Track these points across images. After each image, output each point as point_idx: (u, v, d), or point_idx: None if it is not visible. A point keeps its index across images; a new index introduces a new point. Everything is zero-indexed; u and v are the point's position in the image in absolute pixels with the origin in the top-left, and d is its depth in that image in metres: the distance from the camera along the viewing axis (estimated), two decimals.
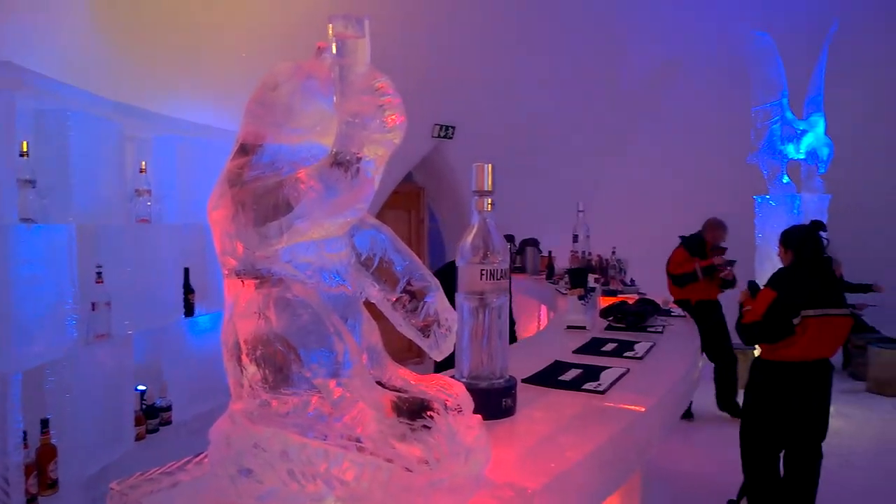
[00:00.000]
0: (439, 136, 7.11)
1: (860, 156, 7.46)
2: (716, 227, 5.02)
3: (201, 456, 0.89)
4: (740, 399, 4.34)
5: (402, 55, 6.37)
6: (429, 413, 0.74)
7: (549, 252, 5.59)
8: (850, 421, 4.91)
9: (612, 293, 3.43)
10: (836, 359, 6.57)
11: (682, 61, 8.66)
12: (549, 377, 1.44)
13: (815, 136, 5.58)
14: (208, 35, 4.22)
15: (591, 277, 2.78)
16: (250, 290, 0.77)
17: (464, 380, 1.10)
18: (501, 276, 1.08)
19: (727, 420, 4.92)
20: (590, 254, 4.16)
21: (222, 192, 0.76)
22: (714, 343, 5.08)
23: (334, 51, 0.71)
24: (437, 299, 0.89)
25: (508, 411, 1.12)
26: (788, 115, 5.66)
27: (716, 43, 7.73)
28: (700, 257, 4.95)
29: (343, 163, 0.70)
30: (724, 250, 4.92)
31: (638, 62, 8.62)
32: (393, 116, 0.71)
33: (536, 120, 8.16)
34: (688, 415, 5.09)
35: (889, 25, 8.09)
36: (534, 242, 6.05)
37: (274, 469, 0.74)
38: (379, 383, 0.88)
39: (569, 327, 2.29)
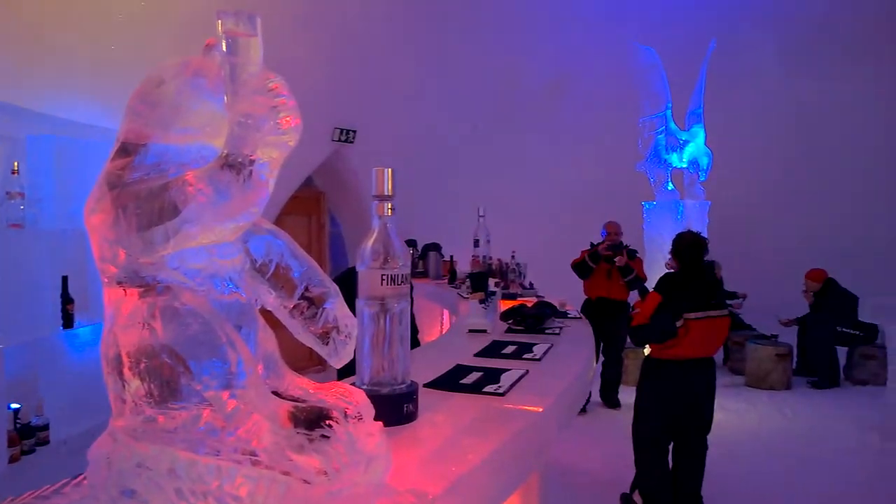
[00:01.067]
0: (340, 140, 7.02)
1: (736, 165, 8.13)
2: (611, 224, 5.33)
3: (80, 477, 0.82)
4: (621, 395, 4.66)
5: (302, 57, 6.24)
6: (327, 422, 0.72)
7: (451, 256, 5.66)
8: (731, 413, 5.29)
9: (512, 296, 3.52)
10: (718, 355, 7.11)
11: (574, 73, 9.07)
12: (450, 381, 1.45)
13: (696, 146, 6.03)
14: (90, 30, 3.93)
15: (491, 281, 2.85)
16: (133, 300, 0.72)
17: (365, 386, 1.09)
18: (402, 281, 1.08)
19: (620, 415, 5.17)
20: (490, 258, 4.24)
21: (101, 194, 0.71)
22: (611, 340, 5.37)
23: (224, 48, 0.68)
24: (336, 306, 0.88)
25: (410, 417, 1.11)
26: (672, 126, 6.07)
27: (605, 57, 8.16)
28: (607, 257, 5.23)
29: (235, 165, 0.67)
30: (620, 245, 5.20)
31: (533, 73, 8.93)
32: (288, 118, 0.69)
33: (437, 126, 8.26)
34: (582, 410, 5.32)
35: (762, 45, 8.89)
36: (436, 247, 6.10)
37: (161, 489, 0.69)
38: (276, 393, 0.85)
39: (470, 331, 2.32)
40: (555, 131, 9.48)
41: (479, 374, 1.52)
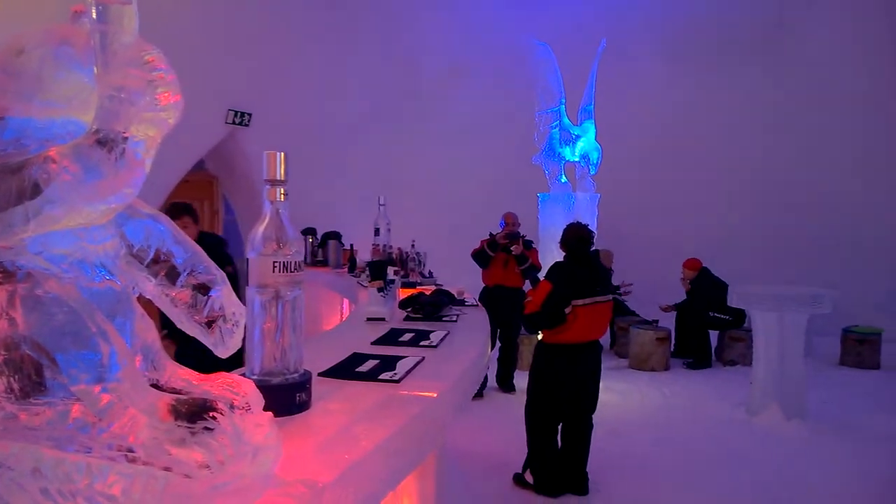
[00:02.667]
0: (234, 123, 6.73)
1: (624, 160, 8.58)
2: (509, 215, 5.48)
3: None
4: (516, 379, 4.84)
5: (195, 35, 5.91)
6: (211, 414, 0.70)
7: (351, 245, 5.59)
8: (616, 394, 5.61)
9: (412, 285, 3.54)
10: (605, 339, 7.52)
11: (473, 64, 9.21)
12: (346, 369, 1.44)
13: (587, 141, 6.31)
14: None
15: (390, 270, 2.85)
16: None
17: (255, 377, 1.06)
18: (295, 269, 1.06)
19: (515, 399, 5.35)
20: (390, 247, 4.24)
21: None
22: (507, 326, 5.53)
23: (94, 16, 0.63)
24: (223, 293, 0.84)
25: (303, 406, 1.10)
26: (566, 121, 6.31)
27: (503, 49, 8.34)
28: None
29: (106, 142, 0.62)
30: (517, 234, 5.36)
31: (430, 64, 8.98)
32: (166, 94, 0.65)
33: (337, 114, 8.11)
34: (479, 394, 5.46)
35: (652, 46, 9.41)
36: (336, 235, 6.01)
37: (24, 490, 0.64)
38: (156, 386, 0.81)
39: (368, 319, 2.31)
40: (454, 122, 9.59)
41: (376, 361, 1.52)
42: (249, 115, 6.83)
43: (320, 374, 1.36)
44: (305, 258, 6.62)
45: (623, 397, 5.57)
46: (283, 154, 1.05)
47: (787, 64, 8.73)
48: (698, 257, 7.06)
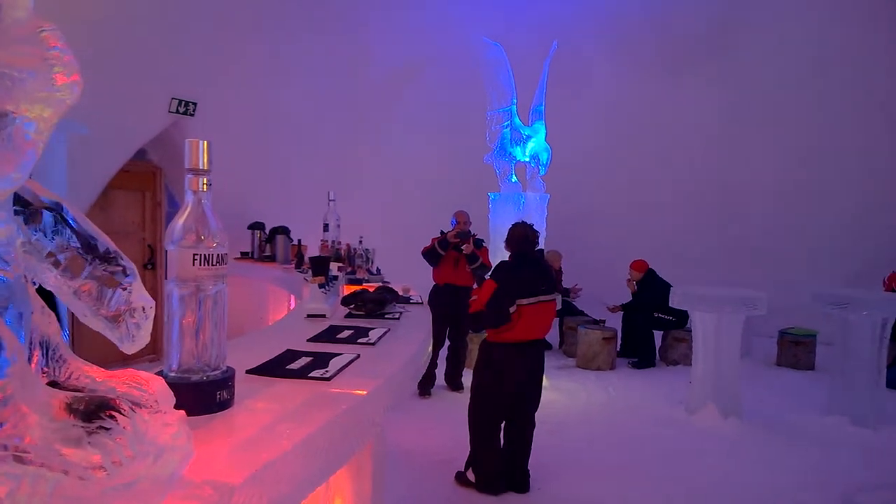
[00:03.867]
0: (178, 112, 6.53)
1: (574, 162, 8.72)
2: (461, 213, 5.49)
3: None
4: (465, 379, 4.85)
5: (139, 20, 5.71)
6: (108, 412, 0.66)
7: (300, 240, 5.51)
8: (562, 393, 5.70)
9: (357, 282, 3.50)
10: (554, 339, 7.62)
11: (425, 62, 9.19)
12: (276, 367, 1.40)
13: (537, 141, 6.37)
14: None
15: (334, 266, 2.80)
16: None
17: (173, 374, 1.02)
18: (218, 262, 1.02)
19: (462, 398, 5.36)
20: (339, 243, 4.19)
21: None
22: (456, 325, 5.54)
23: None
24: (132, 286, 0.80)
25: (225, 404, 1.06)
26: (517, 121, 6.36)
27: (456, 48, 8.36)
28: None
29: None
30: (468, 233, 5.37)
31: (383, 59, 8.92)
32: (62, 73, 0.61)
33: (288, 106, 7.98)
34: (427, 393, 5.46)
35: (603, 48, 9.57)
36: (284, 231, 5.91)
37: None
38: (55, 383, 0.76)
39: (309, 315, 2.27)
40: (406, 119, 9.56)
41: (309, 358, 1.49)
42: (194, 104, 6.64)
43: (248, 372, 1.33)
44: (253, 253, 6.48)
45: (569, 396, 5.65)
46: (206, 142, 1.01)
47: (732, 69, 9.02)
48: (645, 258, 7.23)
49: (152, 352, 6.14)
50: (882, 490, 3.52)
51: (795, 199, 8.69)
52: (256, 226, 6.43)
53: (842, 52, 8.38)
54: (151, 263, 6.86)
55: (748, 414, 5.04)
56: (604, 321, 7.42)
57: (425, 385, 5.49)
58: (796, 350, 7.08)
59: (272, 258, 5.93)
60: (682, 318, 6.91)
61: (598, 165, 9.55)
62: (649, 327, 7.03)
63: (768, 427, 4.90)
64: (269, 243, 6.09)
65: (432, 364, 5.48)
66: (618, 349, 7.02)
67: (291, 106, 7.89)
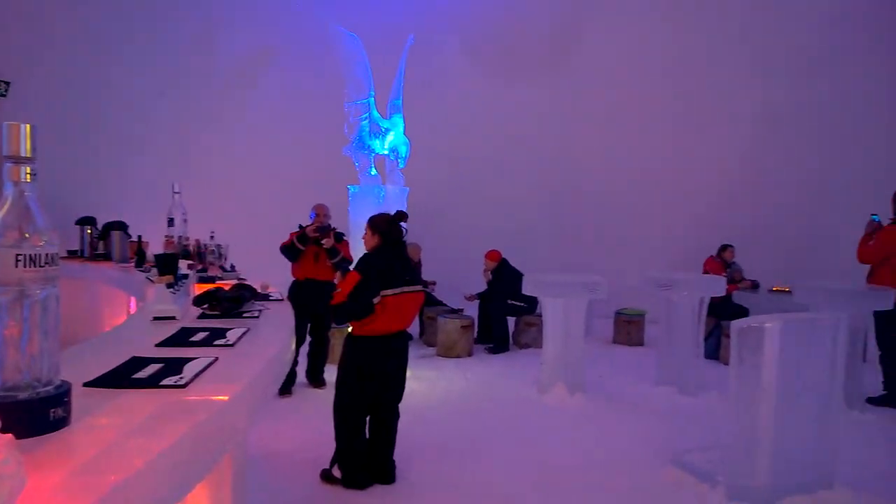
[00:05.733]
0: None
1: (432, 155, 8.86)
2: (320, 207, 5.35)
3: None
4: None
5: None
6: None
7: (140, 237, 5.07)
8: (423, 382, 5.79)
9: (210, 280, 3.29)
10: (415, 329, 7.72)
11: (278, 50, 8.86)
12: (120, 377, 1.28)
13: (396, 134, 6.38)
14: None
15: (183, 263, 2.61)
16: None
17: None
18: (47, 262, 0.90)
19: (325, 394, 5.26)
20: (187, 238, 3.91)
21: None
22: (318, 320, 5.41)
23: None
24: None
25: (60, 423, 0.94)
26: (375, 113, 6.33)
27: (311, 37, 8.14)
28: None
29: None
30: (328, 227, 5.25)
31: (232, 44, 8.48)
32: None
33: (122, 89, 7.30)
34: (287, 391, 5.30)
35: (458, 44, 9.79)
36: (121, 226, 5.40)
37: None
38: None
39: (155, 318, 2.09)
40: (261, 108, 9.16)
41: (159, 365, 1.37)
42: (7, 83, 5.85)
43: (86, 385, 1.19)
44: (83, 251, 5.87)
45: (430, 384, 5.76)
46: (28, 126, 0.89)
47: (576, 69, 9.66)
48: (498, 249, 7.54)
49: None
50: (707, 451, 3.97)
51: (627, 191, 9.53)
52: (86, 221, 5.82)
53: (670, 52, 9.30)
54: None
55: (591, 389, 5.46)
56: (461, 310, 7.65)
57: (286, 383, 5.32)
58: (629, 328, 7.79)
59: (107, 257, 5.40)
60: (532, 303, 7.31)
61: (455, 159, 9.80)
62: (503, 314, 7.36)
63: (609, 400, 5.35)
64: (102, 240, 5.54)
65: (293, 361, 5.33)
66: (475, 336, 7.27)
67: (126, 87, 7.23)
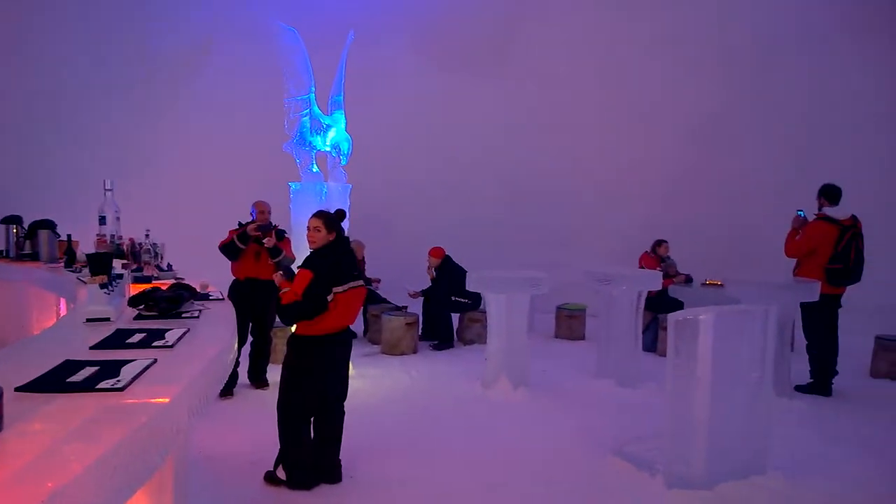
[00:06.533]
0: None
1: (375, 152, 8.82)
2: (260, 203, 5.23)
3: None
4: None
5: None
6: None
7: (69, 236, 4.86)
8: (368, 380, 5.76)
9: (146, 279, 3.20)
10: (359, 327, 7.67)
11: (216, 43, 8.63)
12: (54, 380, 1.23)
13: (338, 131, 6.31)
14: None
15: (117, 263, 2.53)
16: None
17: None
18: None
19: (268, 394, 5.18)
20: (120, 237, 3.78)
21: None
22: (260, 320, 5.30)
23: None
24: None
25: None
26: (316, 109, 6.24)
27: (249, 31, 7.97)
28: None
29: None
30: (270, 225, 5.15)
31: (168, 37, 8.21)
32: None
33: (49, 81, 6.96)
34: (229, 393, 5.18)
35: (400, 40, 9.76)
36: (49, 224, 5.17)
37: None
38: None
39: (89, 320, 2.02)
40: (199, 103, 8.90)
41: (95, 368, 1.33)
42: None
43: (17, 390, 1.15)
44: (8, 251, 5.59)
45: (374, 382, 5.74)
46: None
47: (518, 67, 9.80)
48: (442, 246, 7.58)
49: None
50: (646, 441, 4.12)
51: (569, 189, 9.73)
52: (11, 220, 5.54)
53: (609, 57, 9.55)
54: None
55: (534, 383, 5.57)
56: (406, 307, 7.65)
57: (228, 385, 5.20)
58: (571, 323, 7.97)
59: (34, 257, 5.16)
60: (476, 300, 7.38)
61: (398, 156, 9.79)
62: (447, 310, 7.41)
63: (551, 393, 5.47)
64: (29, 240, 5.28)
65: (234, 362, 5.22)
66: (420, 333, 7.29)
67: (51, 81, 6.89)
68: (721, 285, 6.73)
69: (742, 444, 3.64)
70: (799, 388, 5.57)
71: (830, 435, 4.58)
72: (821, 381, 5.58)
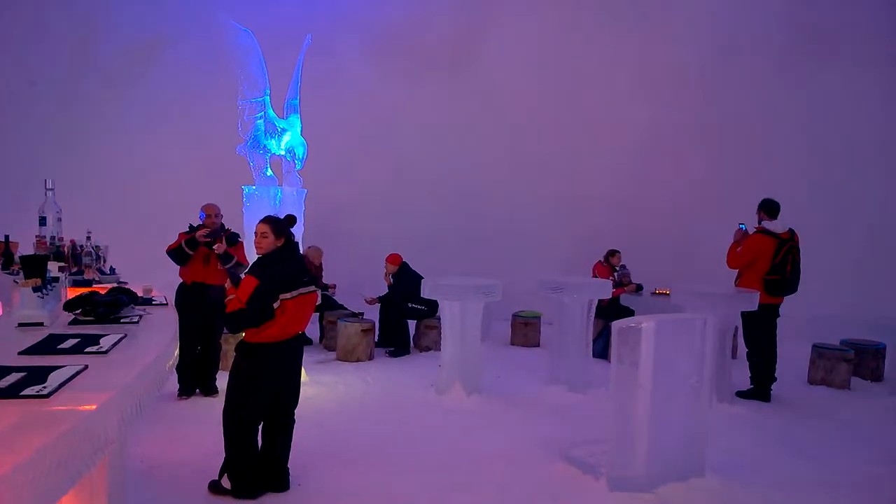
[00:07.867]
0: None
1: (332, 157, 8.77)
2: (210, 206, 5.13)
3: None
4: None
5: None
6: None
7: (7, 237, 4.68)
8: (322, 386, 5.71)
9: (86, 283, 3.11)
10: (314, 333, 7.60)
11: (167, 42, 8.46)
12: None
13: (293, 135, 6.25)
14: None
15: (53, 266, 2.46)
16: None
17: None
18: None
19: (217, 402, 5.07)
20: (60, 238, 3.67)
21: None
22: (209, 326, 5.19)
23: None
24: None
25: None
26: (271, 112, 6.17)
27: (202, 30, 7.83)
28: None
29: None
30: (221, 229, 5.06)
31: (114, 33, 8.01)
32: None
33: None
34: (189, 393, 5.14)
35: (357, 45, 9.73)
36: None
37: None
38: None
39: (21, 325, 1.96)
40: (147, 102, 8.70)
41: (21, 374, 1.30)
42: None
43: None
44: None
45: (328, 389, 5.70)
46: None
47: (475, 74, 9.88)
48: (399, 252, 7.58)
49: None
50: (592, 445, 4.20)
51: (525, 198, 9.85)
52: None
53: (566, 66, 9.73)
54: None
55: (487, 389, 5.61)
56: (362, 314, 7.61)
57: (189, 385, 5.24)
58: (526, 330, 8.06)
59: None
60: (433, 307, 7.40)
61: (355, 161, 9.75)
62: (404, 317, 7.40)
63: (504, 399, 5.52)
64: None
65: (191, 365, 5.16)
66: (376, 340, 7.26)
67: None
68: (668, 294, 6.91)
69: (682, 448, 3.75)
70: (740, 394, 5.77)
71: (768, 438, 4.75)
72: (760, 387, 5.79)
